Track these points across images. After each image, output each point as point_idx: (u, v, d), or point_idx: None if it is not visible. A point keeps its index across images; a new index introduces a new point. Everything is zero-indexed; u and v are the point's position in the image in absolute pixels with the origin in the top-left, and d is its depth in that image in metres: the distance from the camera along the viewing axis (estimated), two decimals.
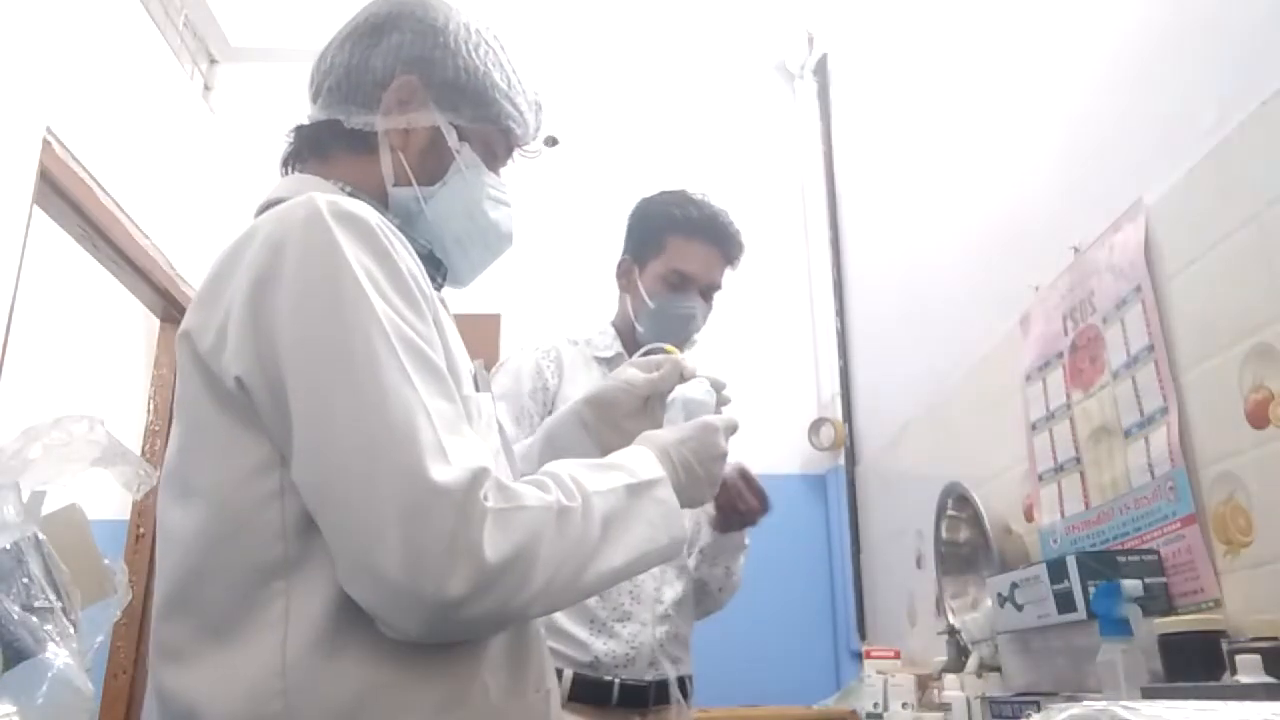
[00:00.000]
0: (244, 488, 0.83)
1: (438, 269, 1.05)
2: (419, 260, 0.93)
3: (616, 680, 1.65)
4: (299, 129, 1.08)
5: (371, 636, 0.80)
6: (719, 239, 1.83)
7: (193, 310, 0.89)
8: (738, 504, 1.70)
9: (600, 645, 1.66)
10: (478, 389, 0.96)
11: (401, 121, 1.03)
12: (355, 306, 0.82)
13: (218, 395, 0.84)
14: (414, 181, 1.03)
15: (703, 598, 1.85)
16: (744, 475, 1.70)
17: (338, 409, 0.79)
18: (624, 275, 1.89)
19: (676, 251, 1.81)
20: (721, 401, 1.24)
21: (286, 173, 1.08)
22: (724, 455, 1.06)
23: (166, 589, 0.85)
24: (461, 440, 0.81)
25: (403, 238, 0.92)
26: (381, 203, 1.02)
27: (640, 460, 0.97)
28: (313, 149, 1.06)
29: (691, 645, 1.82)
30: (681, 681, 1.75)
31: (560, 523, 0.83)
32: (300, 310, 0.82)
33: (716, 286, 1.86)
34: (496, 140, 1.09)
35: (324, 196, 0.88)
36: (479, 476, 0.79)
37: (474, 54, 1.05)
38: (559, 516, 0.83)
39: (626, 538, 0.89)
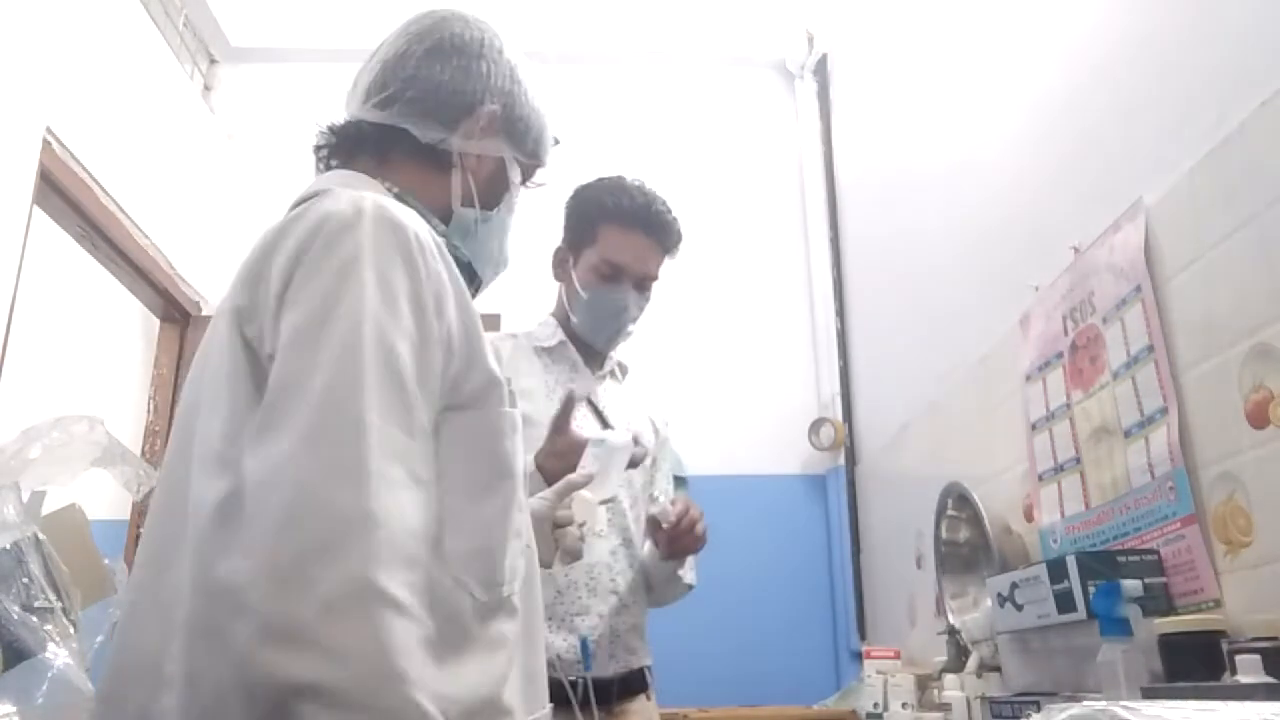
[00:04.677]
0: None
1: (471, 280, 1.10)
2: (458, 272, 0.95)
3: (580, 680, 1.58)
4: (357, 124, 1.08)
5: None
6: (652, 229, 1.78)
7: (238, 288, 0.89)
8: (683, 542, 1.69)
9: (560, 641, 1.62)
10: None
11: (477, 147, 1.09)
12: (348, 310, 0.82)
13: (257, 372, 0.85)
14: (477, 205, 1.09)
15: (649, 590, 1.83)
16: (686, 516, 1.69)
17: (293, 403, 0.79)
18: (559, 265, 1.86)
19: (609, 241, 1.77)
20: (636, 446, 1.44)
21: (325, 164, 1.10)
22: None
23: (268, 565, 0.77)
24: (394, 471, 0.80)
25: (444, 250, 0.94)
26: (440, 216, 1.06)
27: None
28: (373, 149, 1.07)
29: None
30: (642, 673, 1.72)
31: None
32: (302, 298, 0.84)
33: (651, 277, 1.81)
34: (528, 173, 1.16)
35: (375, 197, 0.90)
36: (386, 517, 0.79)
37: (537, 95, 1.13)
38: None
39: None
